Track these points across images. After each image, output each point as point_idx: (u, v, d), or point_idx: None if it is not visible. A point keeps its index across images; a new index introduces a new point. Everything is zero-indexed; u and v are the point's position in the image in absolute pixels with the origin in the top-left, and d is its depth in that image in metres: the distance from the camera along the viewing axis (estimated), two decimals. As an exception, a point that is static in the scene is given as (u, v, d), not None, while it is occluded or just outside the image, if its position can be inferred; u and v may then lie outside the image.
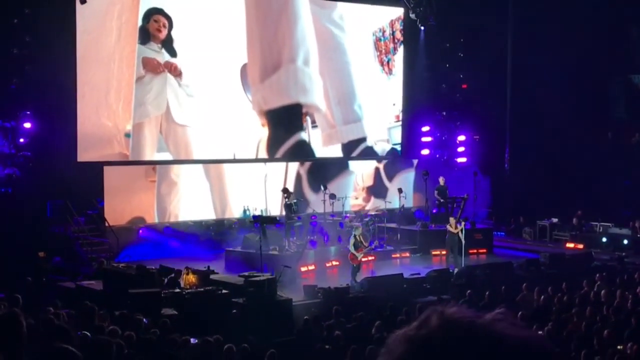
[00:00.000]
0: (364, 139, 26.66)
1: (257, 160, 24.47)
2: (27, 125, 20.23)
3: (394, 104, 27.41)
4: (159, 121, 22.42)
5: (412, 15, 25.70)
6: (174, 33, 22.38)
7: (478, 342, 1.50)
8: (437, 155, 28.44)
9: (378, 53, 27.02)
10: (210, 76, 23.05)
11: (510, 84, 28.60)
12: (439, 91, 28.45)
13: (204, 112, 23.06)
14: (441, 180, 24.53)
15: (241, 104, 23.79)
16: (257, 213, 22.37)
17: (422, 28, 26.69)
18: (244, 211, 23.77)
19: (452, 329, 1.53)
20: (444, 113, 28.80)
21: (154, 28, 22.09)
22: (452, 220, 20.77)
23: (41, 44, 19.97)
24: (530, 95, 27.27)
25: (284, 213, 21.42)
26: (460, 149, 28.60)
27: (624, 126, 28.29)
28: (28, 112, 20.26)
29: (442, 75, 28.36)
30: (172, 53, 22.43)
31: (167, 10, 22.22)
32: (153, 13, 21.96)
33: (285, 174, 25.15)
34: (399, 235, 23.15)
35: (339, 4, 25.74)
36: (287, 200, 21.07)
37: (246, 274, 15.89)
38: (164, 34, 22.21)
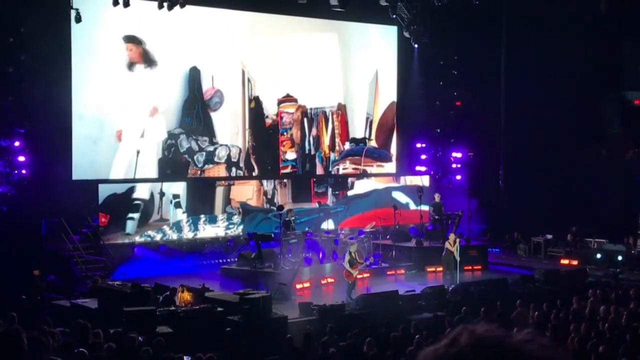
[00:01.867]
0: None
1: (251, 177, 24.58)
2: (21, 143, 20.24)
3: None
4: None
5: (406, 34, 25.81)
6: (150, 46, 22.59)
7: None
8: (432, 172, 28.50)
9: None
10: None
11: (504, 101, 28.72)
12: (433, 108, 28.56)
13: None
14: (436, 197, 24.59)
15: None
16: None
17: (416, 46, 26.82)
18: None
19: (482, 348, 1.55)
20: (439, 130, 28.90)
21: (128, 56, 22.28)
22: (451, 237, 20.77)
23: (37, 62, 20.05)
24: (524, 112, 27.36)
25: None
26: (455, 166, 28.67)
27: (618, 142, 28.39)
28: (23, 131, 20.29)
29: (436, 93, 28.49)
30: (153, 64, 22.57)
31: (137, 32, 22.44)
32: (124, 42, 22.18)
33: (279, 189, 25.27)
34: (394, 252, 23.14)
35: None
36: (285, 217, 21.07)
37: (241, 291, 15.89)
38: (136, 53, 22.28)
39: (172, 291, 16.35)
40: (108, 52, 21.80)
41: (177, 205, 23.01)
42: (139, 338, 11.80)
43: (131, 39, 22.26)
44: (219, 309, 15.01)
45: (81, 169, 21.32)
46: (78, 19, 20.22)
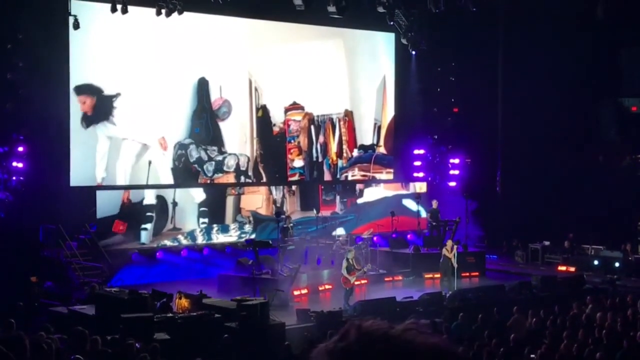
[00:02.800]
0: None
1: (256, 184, 24.62)
2: (20, 149, 20.25)
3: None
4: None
5: (404, 40, 25.87)
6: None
7: (392, 351, 1.65)
8: (429, 179, 28.53)
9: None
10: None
11: (501, 107, 28.78)
12: (431, 115, 28.61)
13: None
14: (434, 204, 24.61)
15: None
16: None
17: (414, 53, 26.87)
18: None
19: (368, 340, 1.68)
20: (436, 136, 28.94)
21: (82, 109, 21.64)
22: (449, 243, 20.78)
23: (35, 69, 20.05)
24: (522, 118, 27.41)
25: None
26: (453, 172, 28.70)
27: (614, 149, 28.44)
28: (21, 137, 20.28)
29: (434, 99, 28.53)
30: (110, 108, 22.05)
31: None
32: (77, 95, 21.55)
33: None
34: (391, 258, 23.15)
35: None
36: (283, 223, 21.08)
37: (239, 298, 15.89)
38: (89, 105, 21.71)
39: (169, 298, 16.34)
40: (107, 58, 21.81)
41: (203, 214, 23.37)
42: (137, 345, 11.81)
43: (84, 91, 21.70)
44: (217, 315, 15.01)
45: (79, 175, 21.33)
46: (76, 26, 20.23)
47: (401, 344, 1.66)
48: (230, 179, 24.28)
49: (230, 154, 24.17)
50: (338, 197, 26.49)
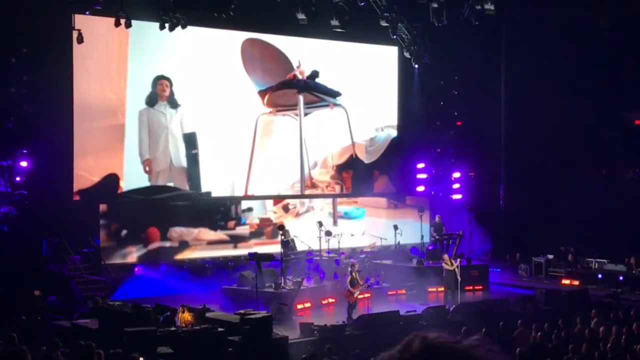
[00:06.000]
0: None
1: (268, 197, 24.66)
2: (24, 163, 20.30)
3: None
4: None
5: (407, 54, 25.95)
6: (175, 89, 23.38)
7: None
8: (432, 192, 28.52)
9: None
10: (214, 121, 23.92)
11: (504, 121, 28.83)
12: (434, 128, 28.64)
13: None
14: (437, 218, 24.60)
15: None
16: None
17: (416, 66, 26.93)
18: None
19: (433, 353, 1.64)
20: (439, 150, 28.95)
21: (160, 90, 23.04)
22: (445, 257, 20.79)
23: (39, 83, 20.13)
24: (525, 132, 27.44)
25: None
26: (456, 186, 28.69)
27: (618, 162, 28.43)
28: (25, 151, 20.34)
29: (437, 113, 28.57)
30: (174, 105, 23.23)
31: (166, 73, 23.18)
32: (159, 79, 23.00)
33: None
34: (395, 272, 23.09)
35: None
36: (283, 237, 21.07)
37: (242, 311, 15.86)
38: (167, 92, 23.14)
39: (172, 311, 16.30)
40: (108, 75, 21.92)
41: None
42: (140, 358, 11.79)
43: (163, 77, 23.15)
44: (220, 329, 14.97)
45: (83, 193, 21.42)
46: (80, 40, 20.30)
47: None
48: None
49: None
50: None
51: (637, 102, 28.25)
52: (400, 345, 1.69)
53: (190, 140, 23.65)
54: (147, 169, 22.81)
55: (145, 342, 13.50)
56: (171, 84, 23.22)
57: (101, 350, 11.61)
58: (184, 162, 23.51)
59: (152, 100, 22.95)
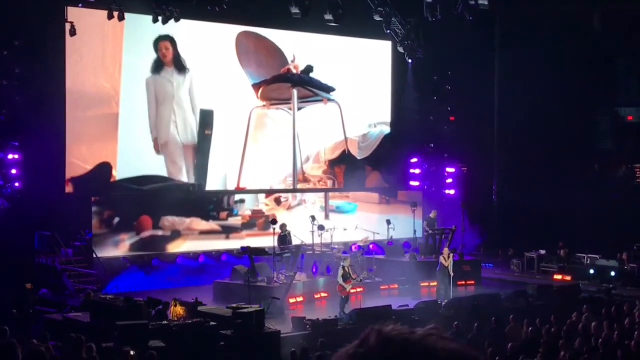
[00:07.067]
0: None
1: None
2: (16, 156, 20.23)
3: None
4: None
5: (400, 49, 25.93)
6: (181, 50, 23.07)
7: (412, 357, 1.63)
8: (426, 187, 28.54)
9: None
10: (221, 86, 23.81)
11: (497, 116, 28.85)
12: (427, 123, 28.64)
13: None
14: (433, 214, 24.54)
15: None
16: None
17: (410, 61, 26.92)
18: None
19: (388, 345, 1.65)
20: (432, 145, 28.96)
21: (161, 54, 22.78)
22: (445, 251, 20.70)
23: (31, 75, 20.05)
24: (518, 128, 27.46)
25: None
26: (449, 181, 28.72)
27: (610, 158, 28.50)
28: (16, 144, 20.27)
29: (430, 108, 28.56)
30: (182, 69, 23.01)
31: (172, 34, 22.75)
32: (158, 41, 22.63)
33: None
34: (387, 266, 23.10)
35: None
36: (280, 231, 21.03)
37: (234, 305, 15.83)
38: (170, 55, 22.82)
39: (164, 305, 16.28)
40: (102, 65, 21.84)
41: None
42: (132, 352, 11.77)
43: (162, 37, 22.62)
44: (212, 323, 14.96)
45: (76, 181, 21.34)
46: (73, 33, 20.23)
47: (421, 350, 1.64)
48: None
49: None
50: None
51: (630, 99, 28.33)
52: (358, 340, 1.70)
53: (205, 118, 23.53)
54: (157, 148, 22.75)
55: (137, 335, 13.47)
56: (174, 45, 22.87)
57: (93, 344, 11.58)
58: (192, 140, 23.47)
59: (157, 66, 22.68)
